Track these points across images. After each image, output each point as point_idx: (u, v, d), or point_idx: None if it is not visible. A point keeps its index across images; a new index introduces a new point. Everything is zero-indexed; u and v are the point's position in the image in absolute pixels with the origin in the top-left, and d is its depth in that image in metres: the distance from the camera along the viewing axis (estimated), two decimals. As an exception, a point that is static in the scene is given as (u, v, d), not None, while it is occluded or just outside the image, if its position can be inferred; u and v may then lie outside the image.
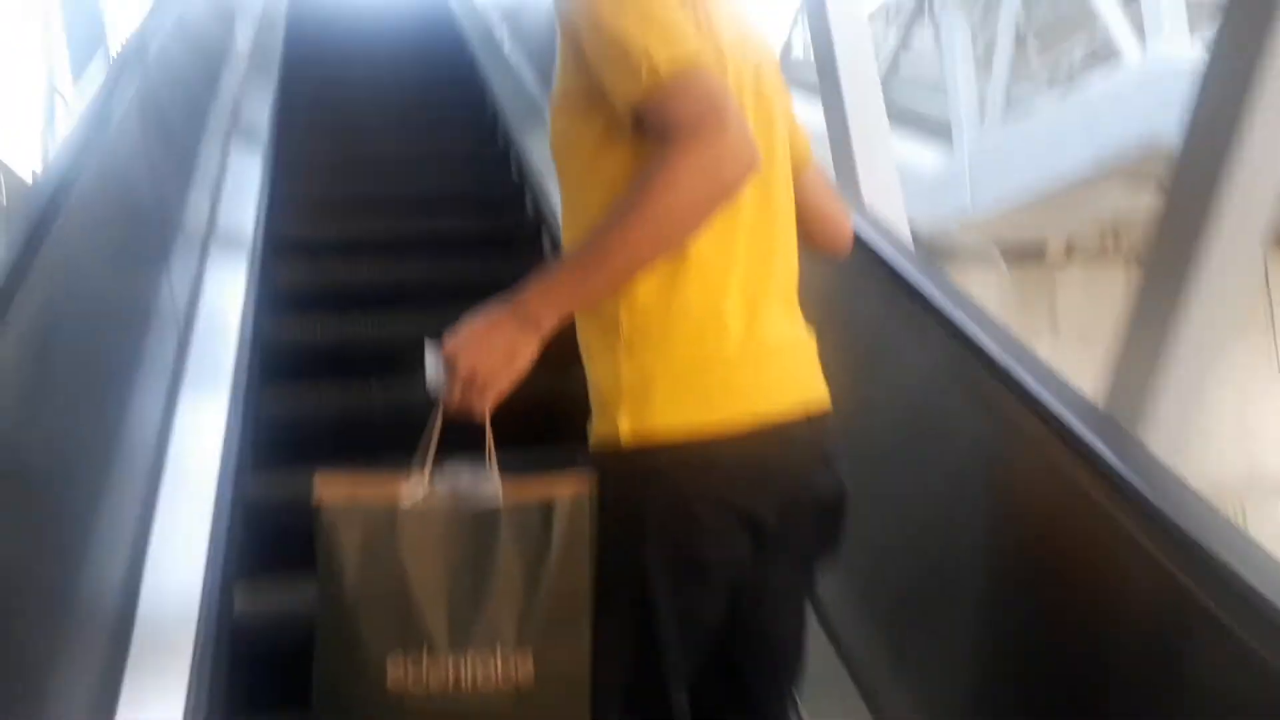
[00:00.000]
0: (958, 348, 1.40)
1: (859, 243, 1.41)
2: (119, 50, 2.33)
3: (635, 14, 0.96)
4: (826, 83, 2.82)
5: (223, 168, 3.05)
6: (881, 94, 2.81)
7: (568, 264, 0.99)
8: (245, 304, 2.35)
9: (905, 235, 2.15)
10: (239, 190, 2.98)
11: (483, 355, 0.94)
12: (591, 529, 0.96)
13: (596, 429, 1.03)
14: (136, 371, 1.73)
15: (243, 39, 4.47)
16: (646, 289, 1.00)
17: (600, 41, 0.97)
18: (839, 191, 1.48)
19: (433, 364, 0.96)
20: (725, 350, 1.01)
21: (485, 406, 0.96)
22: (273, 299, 2.54)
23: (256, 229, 2.79)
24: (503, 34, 5.15)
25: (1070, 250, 7.24)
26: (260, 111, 3.75)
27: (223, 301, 2.35)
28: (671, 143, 0.91)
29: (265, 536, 1.76)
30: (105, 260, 1.69)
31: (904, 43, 7.91)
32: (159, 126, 2.37)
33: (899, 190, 2.79)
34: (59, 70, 3.65)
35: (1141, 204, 4.98)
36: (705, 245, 0.99)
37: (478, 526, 0.95)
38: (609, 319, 1.01)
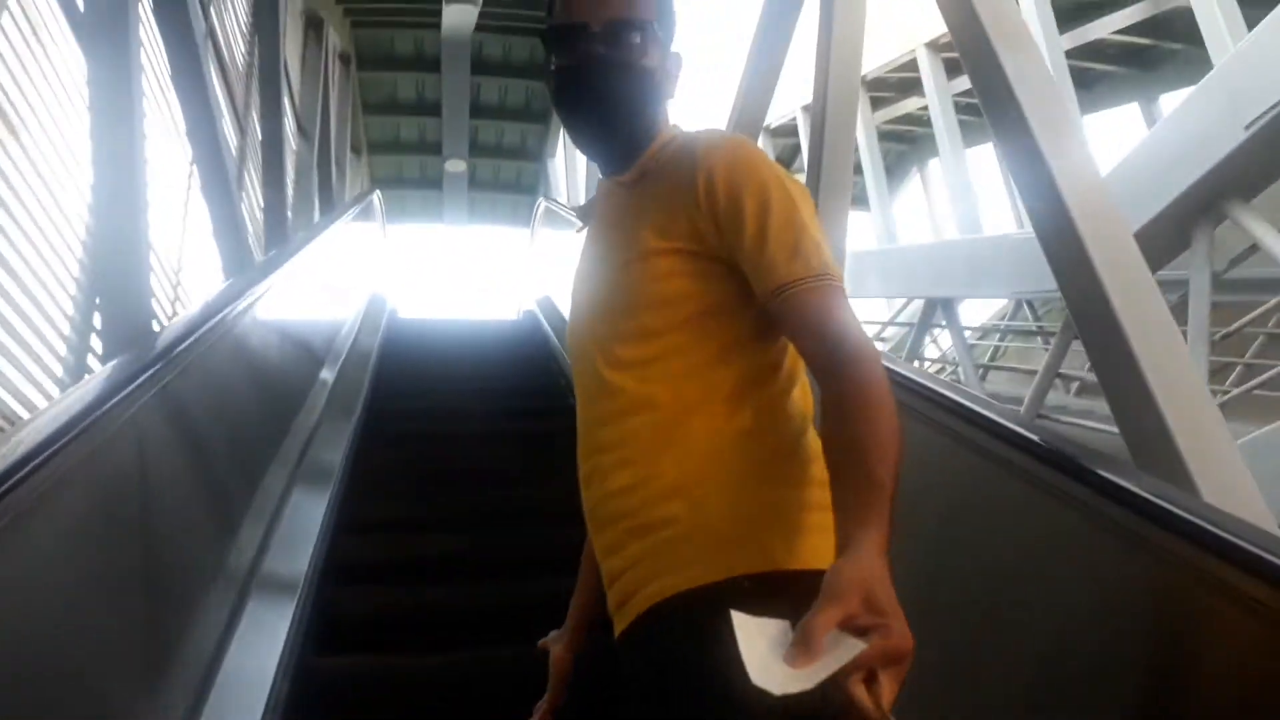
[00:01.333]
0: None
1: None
2: (140, 346, 1.97)
3: (807, 213, 1.11)
4: (1110, 352, 1.98)
5: (279, 506, 2.64)
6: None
7: (881, 497, 0.92)
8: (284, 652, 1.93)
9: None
10: (293, 531, 2.59)
11: (895, 606, 0.83)
12: None
13: (729, 559, 1.03)
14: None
15: (324, 375, 4.25)
16: (788, 429, 1.11)
17: (775, 218, 1.07)
18: None
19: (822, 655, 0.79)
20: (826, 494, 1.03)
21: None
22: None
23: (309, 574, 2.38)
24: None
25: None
26: (334, 451, 3.40)
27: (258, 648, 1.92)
28: (864, 350, 1.02)
29: None
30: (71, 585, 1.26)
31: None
32: (185, 440, 1.97)
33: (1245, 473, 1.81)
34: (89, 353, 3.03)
35: None
36: (801, 399, 1.15)
37: None
38: (752, 451, 1.08)
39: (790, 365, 1.15)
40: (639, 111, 1.18)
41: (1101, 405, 7.87)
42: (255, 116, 5.90)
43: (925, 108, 10.27)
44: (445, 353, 6.33)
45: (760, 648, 0.80)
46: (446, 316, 9.02)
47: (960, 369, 8.18)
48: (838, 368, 1.01)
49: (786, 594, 0.96)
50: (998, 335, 11.68)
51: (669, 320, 1.11)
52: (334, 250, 5.58)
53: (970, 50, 2.45)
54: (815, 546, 1.04)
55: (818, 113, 3.36)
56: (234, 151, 5.31)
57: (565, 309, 7.16)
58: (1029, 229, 8.69)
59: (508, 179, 13.59)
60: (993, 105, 2.36)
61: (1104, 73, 9.41)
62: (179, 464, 1.88)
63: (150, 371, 1.65)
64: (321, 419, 3.67)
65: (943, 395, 1.70)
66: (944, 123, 8.85)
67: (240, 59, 5.71)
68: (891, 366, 1.73)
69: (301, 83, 7.91)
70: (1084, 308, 2.20)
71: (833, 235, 3.39)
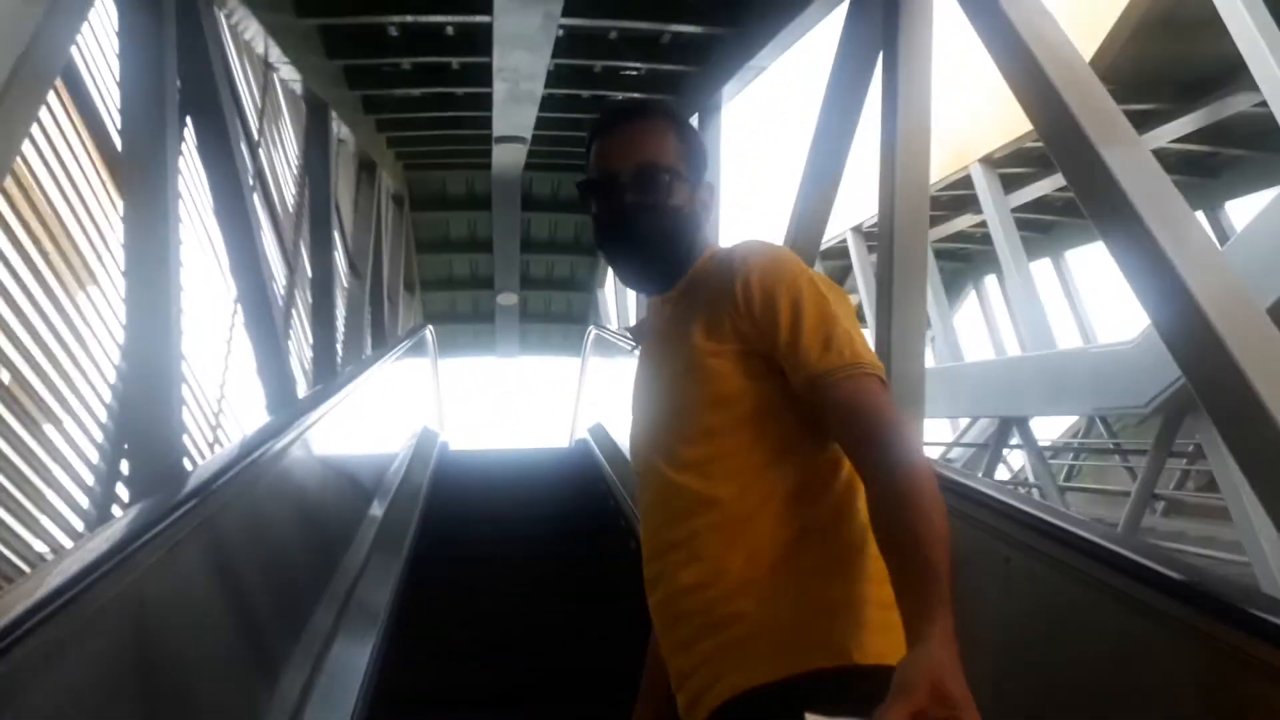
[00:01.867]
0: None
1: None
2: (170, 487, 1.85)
3: (840, 309, 1.16)
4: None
5: (322, 652, 2.51)
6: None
7: (941, 585, 0.95)
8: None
9: None
10: (335, 682, 2.45)
11: (966, 697, 0.88)
12: None
13: (801, 655, 1.04)
14: None
15: (374, 511, 4.16)
16: (854, 525, 1.12)
17: (808, 315, 1.13)
18: None
19: None
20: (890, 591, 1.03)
21: None
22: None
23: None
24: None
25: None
26: (380, 591, 3.26)
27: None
28: (902, 437, 1.06)
29: None
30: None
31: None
32: (220, 581, 1.91)
33: None
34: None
35: None
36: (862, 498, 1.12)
37: None
38: (819, 547, 1.11)
39: (850, 464, 1.16)
40: (673, 247, 1.26)
41: (1195, 527, 7.24)
42: (305, 255, 5.89)
43: (981, 224, 10.09)
44: (496, 484, 6.23)
45: None
46: (498, 447, 8.80)
47: (1038, 490, 7.66)
48: (876, 456, 1.05)
49: (858, 689, 0.98)
50: (1070, 454, 11.10)
51: (727, 419, 1.15)
52: (383, 385, 5.53)
53: (1066, 150, 2.22)
54: (884, 643, 1.04)
55: (885, 231, 3.14)
56: (281, 289, 5.26)
57: (617, 435, 7.04)
58: (1101, 344, 8.28)
59: (559, 310, 13.62)
60: (1097, 204, 2.11)
61: (1164, 182, 9.15)
62: (213, 606, 1.82)
63: (179, 512, 1.60)
64: (370, 556, 3.48)
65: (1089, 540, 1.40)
66: (1005, 238, 8.63)
67: (290, 199, 5.75)
68: (1041, 514, 1.57)
69: (354, 223, 8.00)
70: (1231, 416, 1.87)
71: (910, 354, 3.10)
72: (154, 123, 2.93)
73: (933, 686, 0.85)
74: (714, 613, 1.08)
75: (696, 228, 1.28)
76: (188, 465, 3.03)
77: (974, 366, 8.89)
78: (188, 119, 3.65)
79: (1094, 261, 11.87)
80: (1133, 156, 2.09)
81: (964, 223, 10.95)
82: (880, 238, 3.23)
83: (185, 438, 3.20)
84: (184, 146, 3.69)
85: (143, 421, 2.78)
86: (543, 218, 11.60)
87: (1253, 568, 4.98)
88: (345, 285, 7.51)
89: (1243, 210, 9.31)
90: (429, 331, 8.88)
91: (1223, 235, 8.95)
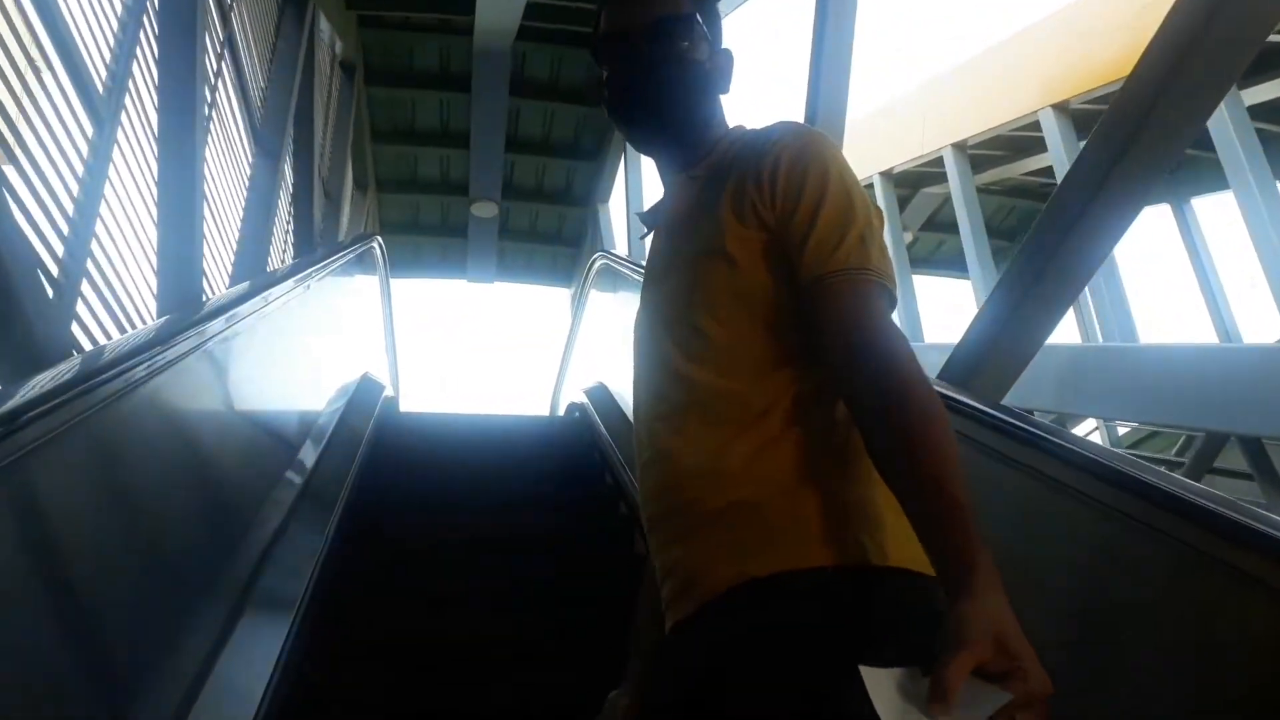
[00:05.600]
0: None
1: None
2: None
3: (863, 211, 1.09)
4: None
5: (218, 645, 1.96)
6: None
7: (968, 521, 0.89)
8: None
9: None
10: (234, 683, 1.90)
11: (1028, 648, 0.82)
12: None
13: (820, 549, 1.01)
14: None
15: (302, 458, 3.16)
16: (855, 429, 1.04)
17: (829, 207, 1.07)
18: None
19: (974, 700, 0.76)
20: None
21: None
22: None
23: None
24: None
25: None
26: (303, 567, 2.52)
27: None
28: (900, 353, 0.99)
29: None
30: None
31: None
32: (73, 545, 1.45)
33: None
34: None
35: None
36: None
37: None
38: (834, 446, 1.06)
39: None
40: (695, 102, 1.22)
41: None
42: (149, 97, 3.52)
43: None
44: (460, 478, 4.22)
45: (893, 698, 0.79)
46: (466, 412, 6.55)
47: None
48: (866, 370, 1.00)
49: (875, 591, 0.98)
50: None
51: (746, 310, 1.11)
52: (293, 318, 3.56)
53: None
54: (897, 547, 1.01)
55: None
56: (80, 149, 2.91)
57: (628, 403, 4.81)
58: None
59: (548, 228, 11.21)
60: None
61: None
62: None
63: None
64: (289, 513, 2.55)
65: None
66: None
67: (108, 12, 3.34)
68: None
69: (269, 79, 5.58)
70: None
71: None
72: None
73: (994, 638, 0.80)
74: (721, 500, 1.05)
75: (715, 90, 1.25)
76: None
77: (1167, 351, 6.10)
78: None
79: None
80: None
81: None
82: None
83: None
84: None
85: None
86: (536, 107, 9.12)
87: None
88: (249, 167, 5.15)
89: None
90: (377, 243, 6.56)
91: None
